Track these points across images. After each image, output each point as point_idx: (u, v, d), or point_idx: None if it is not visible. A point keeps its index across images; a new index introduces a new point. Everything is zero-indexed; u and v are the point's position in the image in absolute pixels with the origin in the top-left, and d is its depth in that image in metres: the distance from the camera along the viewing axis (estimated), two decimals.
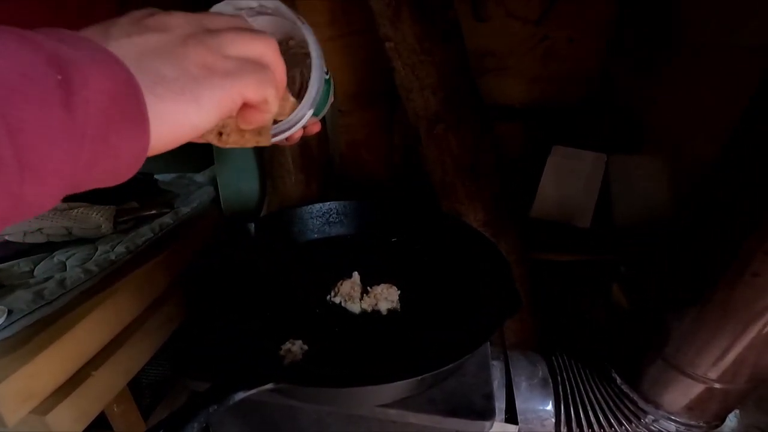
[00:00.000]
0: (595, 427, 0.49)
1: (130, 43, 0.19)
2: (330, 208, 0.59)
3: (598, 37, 0.91)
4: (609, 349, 0.53)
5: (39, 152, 0.14)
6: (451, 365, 0.35)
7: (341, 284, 0.47)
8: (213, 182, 0.98)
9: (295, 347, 0.41)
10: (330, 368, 0.39)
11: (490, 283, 0.46)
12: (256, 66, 0.23)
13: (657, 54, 0.74)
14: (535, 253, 0.90)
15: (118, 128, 0.17)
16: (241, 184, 0.92)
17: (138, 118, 0.17)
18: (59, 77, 0.15)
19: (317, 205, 0.59)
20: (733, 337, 0.38)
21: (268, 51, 0.24)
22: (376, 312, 0.45)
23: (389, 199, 1.06)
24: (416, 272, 0.52)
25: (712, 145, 0.44)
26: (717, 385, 0.42)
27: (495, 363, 0.49)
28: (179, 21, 0.21)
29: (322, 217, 0.59)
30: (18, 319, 0.51)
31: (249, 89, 0.22)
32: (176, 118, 0.19)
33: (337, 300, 0.46)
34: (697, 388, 0.43)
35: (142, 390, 0.79)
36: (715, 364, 0.40)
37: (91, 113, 0.16)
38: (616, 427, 0.48)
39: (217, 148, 0.92)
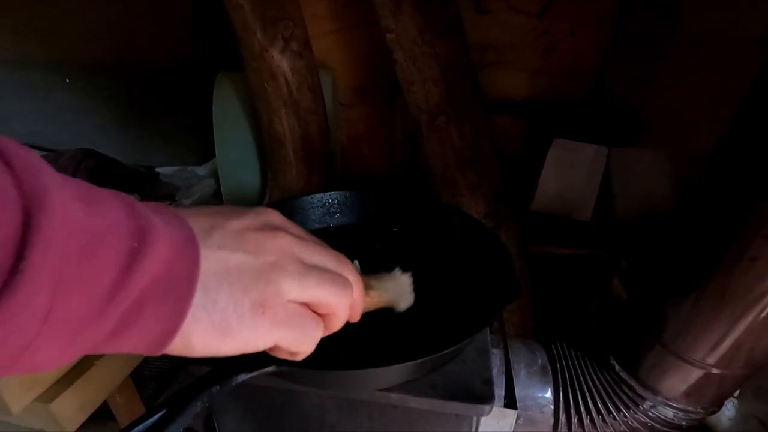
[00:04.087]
0: (594, 413, 0.49)
1: (213, 256, 0.20)
2: (331, 199, 0.59)
3: (599, 31, 0.91)
4: (607, 337, 0.53)
5: (74, 309, 0.15)
6: (451, 349, 0.35)
7: None
8: (214, 175, 0.98)
9: None
10: (331, 352, 0.39)
11: (491, 271, 0.47)
12: (305, 319, 0.23)
13: (658, 46, 0.74)
14: (535, 247, 0.90)
15: (159, 299, 0.17)
16: (242, 177, 0.92)
17: (177, 306, 0.18)
18: (135, 245, 0.16)
19: (318, 195, 0.59)
20: (731, 321, 0.38)
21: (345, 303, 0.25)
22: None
23: (390, 189, 1.06)
24: (417, 261, 0.52)
25: (712, 137, 0.44)
26: (714, 371, 0.42)
27: (495, 351, 0.50)
28: (276, 246, 0.22)
29: (323, 207, 0.59)
30: None
31: (284, 341, 0.22)
32: (198, 341, 0.19)
33: None
34: (695, 374, 0.43)
35: (144, 381, 0.80)
36: (713, 349, 0.41)
37: (143, 281, 0.16)
38: (614, 413, 0.49)
39: (219, 140, 0.92)
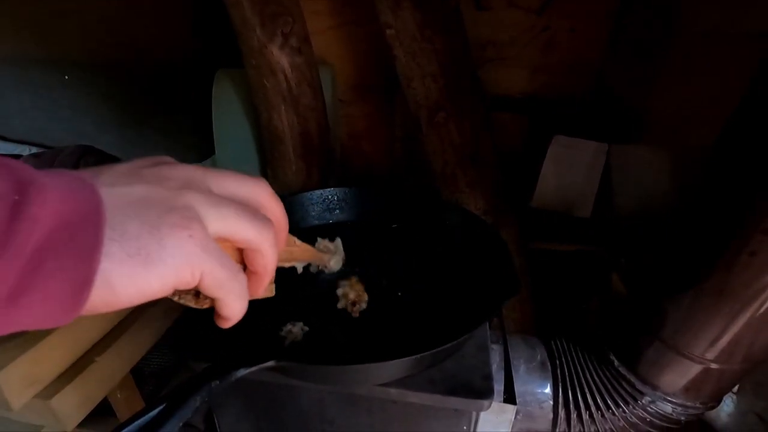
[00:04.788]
0: (593, 409, 0.49)
1: (109, 193, 0.18)
2: (330, 195, 0.59)
3: (599, 27, 0.90)
4: (607, 333, 0.53)
5: None
6: (450, 345, 0.35)
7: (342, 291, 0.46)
8: None
9: (296, 328, 0.42)
10: (330, 347, 0.39)
11: (490, 267, 0.47)
12: (230, 260, 0.21)
13: (658, 43, 0.74)
14: (535, 243, 0.90)
15: (58, 259, 0.15)
16: None
17: (86, 251, 0.16)
18: (16, 197, 0.15)
19: (317, 192, 0.59)
20: (730, 317, 0.38)
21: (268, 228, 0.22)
22: (376, 292, 0.46)
23: (389, 186, 1.06)
24: (417, 257, 0.52)
25: (713, 133, 0.44)
26: (713, 366, 0.42)
27: (494, 347, 0.50)
28: (179, 173, 0.20)
29: (322, 204, 0.59)
30: None
31: (210, 276, 0.19)
32: (119, 281, 0.17)
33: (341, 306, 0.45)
34: (694, 369, 0.43)
35: (144, 378, 0.80)
36: (712, 344, 0.41)
37: (34, 235, 0.15)
38: (613, 408, 0.49)
39: (218, 136, 0.92)
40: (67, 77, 1.00)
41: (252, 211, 0.22)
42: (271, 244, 0.22)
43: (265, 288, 0.25)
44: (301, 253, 0.33)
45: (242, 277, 0.22)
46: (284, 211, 0.25)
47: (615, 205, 0.88)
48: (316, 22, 0.91)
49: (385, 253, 0.53)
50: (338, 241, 0.45)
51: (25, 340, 0.51)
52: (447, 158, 0.80)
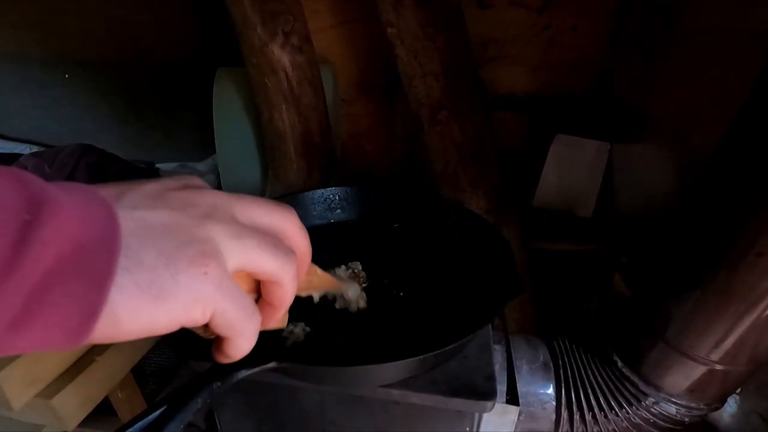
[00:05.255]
0: (596, 410, 0.49)
1: (129, 217, 0.17)
2: (332, 194, 0.59)
3: (601, 25, 0.90)
4: (610, 334, 0.53)
5: None
6: (453, 345, 0.35)
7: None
8: (214, 170, 0.98)
9: (297, 329, 0.41)
10: (332, 348, 0.39)
11: (492, 267, 0.46)
12: (246, 297, 0.20)
13: (659, 41, 0.74)
14: (536, 242, 0.90)
15: (65, 286, 0.14)
16: (242, 173, 0.92)
17: (96, 281, 0.15)
18: (27, 217, 0.14)
19: (319, 191, 0.58)
20: (735, 318, 0.38)
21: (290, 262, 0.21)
22: (378, 292, 0.46)
23: (391, 185, 1.06)
24: (418, 257, 0.52)
25: (716, 132, 0.43)
26: (718, 367, 0.42)
27: (496, 347, 0.49)
28: (205, 200, 0.19)
29: (323, 203, 0.59)
30: None
31: (222, 316, 0.19)
32: (126, 315, 0.16)
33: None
34: (699, 370, 0.43)
35: (145, 377, 0.80)
36: (717, 345, 0.41)
37: (43, 260, 0.14)
38: (616, 409, 0.49)
39: (219, 135, 0.91)
40: (67, 76, 0.99)
41: (275, 242, 0.21)
42: (291, 277, 0.22)
43: (278, 320, 0.25)
44: (319, 283, 0.32)
45: (256, 318, 0.21)
46: (308, 242, 0.24)
47: (617, 204, 0.88)
48: (317, 21, 0.91)
49: (386, 252, 0.52)
50: (357, 264, 0.46)
51: None
52: (448, 157, 0.80)
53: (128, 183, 0.19)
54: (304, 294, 0.32)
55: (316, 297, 0.35)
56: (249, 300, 0.21)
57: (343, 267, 0.44)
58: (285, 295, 0.22)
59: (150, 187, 0.19)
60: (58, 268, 0.14)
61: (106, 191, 0.18)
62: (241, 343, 0.21)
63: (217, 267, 0.18)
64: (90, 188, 0.17)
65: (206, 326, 0.20)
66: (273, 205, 0.22)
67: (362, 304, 0.42)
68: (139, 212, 0.17)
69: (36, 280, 0.14)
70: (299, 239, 0.23)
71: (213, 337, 0.21)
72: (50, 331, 0.15)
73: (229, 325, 0.19)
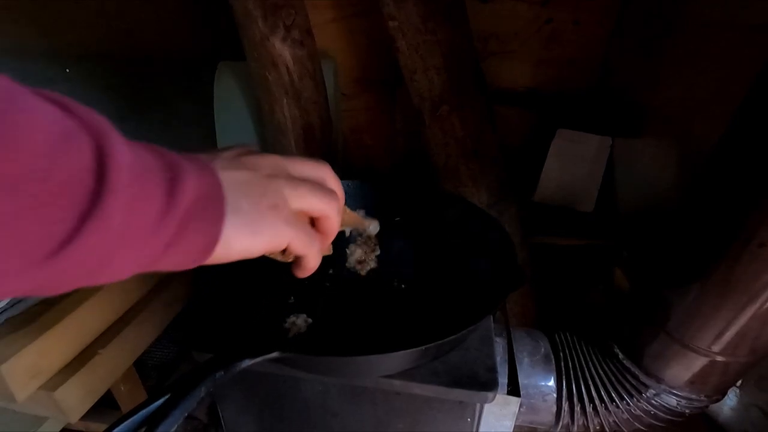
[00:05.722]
0: (597, 401, 0.49)
1: (225, 176, 0.23)
2: None
3: (603, 20, 0.89)
4: (611, 326, 0.53)
5: (139, 224, 0.18)
6: (454, 336, 0.35)
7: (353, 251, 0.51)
8: None
9: (299, 320, 0.42)
10: (335, 339, 0.39)
11: (494, 260, 0.46)
12: (307, 225, 0.28)
13: (661, 36, 0.73)
14: (537, 237, 0.90)
15: (198, 221, 0.21)
16: None
17: (215, 218, 0.22)
18: (170, 175, 0.20)
19: None
20: (736, 309, 0.38)
21: (333, 206, 0.29)
22: (380, 285, 0.46)
23: (392, 178, 1.06)
24: (420, 250, 0.52)
25: (717, 126, 0.43)
26: (719, 358, 0.42)
27: (498, 340, 0.49)
28: (268, 162, 0.26)
29: None
30: (24, 298, 0.51)
31: (296, 241, 0.26)
32: (234, 242, 0.23)
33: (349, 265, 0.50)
34: (700, 362, 0.43)
35: (147, 371, 0.80)
36: (718, 337, 0.41)
37: (184, 202, 0.20)
38: (617, 401, 0.49)
39: (220, 129, 0.91)
40: (68, 70, 0.99)
41: (321, 187, 0.28)
42: (336, 212, 0.29)
43: (327, 247, 0.32)
44: (348, 219, 0.38)
45: (317, 241, 0.29)
46: (341, 185, 0.31)
47: (618, 199, 0.88)
48: (318, 15, 0.90)
49: (387, 246, 0.52)
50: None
51: (28, 332, 0.51)
52: (449, 151, 0.80)
53: (212, 151, 0.26)
54: (340, 228, 0.36)
55: (347, 231, 0.40)
56: (311, 229, 0.28)
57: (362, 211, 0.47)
58: (333, 225, 0.30)
59: (227, 153, 0.26)
60: (192, 210, 0.20)
61: (204, 157, 0.24)
62: (312, 257, 0.28)
63: (286, 209, 0.26)
64: (197, 156, 0.23)
65: (283, 253, 0.28)
66: (314, 161, 0.30)
67: (372, 264, 0.47)
68: (228, 173, 0.24)
69: (181, 216, 0.20)
70: (336, 185, 0.30)
71: (290, 260, 0.29)
72: (187, 251, 0.21)
73: (301, 248, 0.27)
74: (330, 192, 0.29)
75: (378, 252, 0.51)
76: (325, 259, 0.43)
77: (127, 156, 0.18)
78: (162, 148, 0.21)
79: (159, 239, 0.20)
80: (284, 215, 0.25)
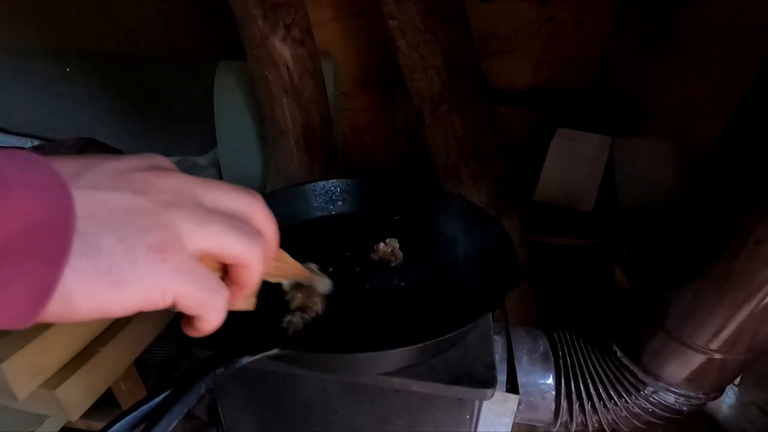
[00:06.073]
0: (595, 399, 0.49)
1: (90, 198, 0.17)
2: (333, 186, 0.59)
3: (604, 19, 0.90)
4: (610, 324, 0.53)
5: None
6: (454, 333, 0.35)
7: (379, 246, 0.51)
8: (216, 164, 0.98)
9: (296, 318, 0.42)
10: (334, 336, 0.40)
11: (493, 258, 0.47)
12: (210, 277, 0.20)
13: (662, 35, 0.74)
14: (537, 237, 0.90)
15: (20, 259, 0.15)
16: (243, 166, 0.92)
17: (49, 260, 0.15)
18: None
19: (320, 183, 0.59)
20: (734, 306, 0.38)
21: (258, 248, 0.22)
22: (380, 282, 0.46)
23: (392, 177, 1.06)
24: (419, 249, 0.52)
25: (717, 125, 0.43)
26: (717, 356, 0.42)
27: (497, 338, 0.50)
28: (170, 184, 0.19)
29: (324, 195, 0.59)
30: None
31: (187, 299, 0.19)
32: (80, 297, 0.16)
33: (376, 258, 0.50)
34: (698, 359, 0.43)
35: (148, 369, 0.80)
36: (716, 334, 0.41)
37: None
38: (615, 399, 0.49)
39: (220, 128, 0.92)
40: (68, 70, 0.99)
41: (241, 225, 0.21)
42: (259, 259, 0.22)
43: (245, 300, 0.25)
44: (290, 270, 0.33)
45: (224, 292, 0.21)
46: (276, 227, 0.24)
47: (618, 198, 0.88)
48: (319, 14, 0.90)
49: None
50: (395, 242, 0.50)
51: (29, 330, 0.51)
52: (449, 151, 0.80)
53: (91, 158, 0.19)
54: (273, 280, 0.33)
55: (286, 285, 0.36)
56: (214, 278, 0.21)
57: (310, 263, 0.42)
58: (252, 275, 0.22)
59: (113, 165, 0.19)
60: (9, 247, 0.14)
61: (66, 168, 0.17)
62: (210, 318, 0.21)
63: (177, 253, 0.18)
64: (48, 164, 0.17)
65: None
66: (238, 190, 0.23)
67: (320, 308, 0.41)
68: (101, 194, 0.17)
69: None
70: (266, 223, 0.23)
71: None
72: (3, 306, 0.15)
73: (195, 305, 0.20)
74: (253, 233, 0.22)
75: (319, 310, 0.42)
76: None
77: None
78: None
79: None
80: (173, 262, 0.18)
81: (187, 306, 0.19)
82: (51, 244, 0.15)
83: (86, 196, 0.17)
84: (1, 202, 0.14)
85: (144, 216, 0.18)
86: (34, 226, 0.15)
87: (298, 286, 0.40)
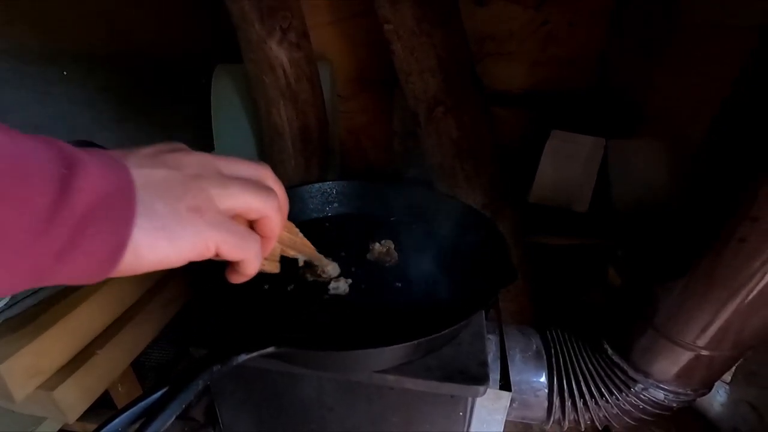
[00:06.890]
0: (587, 397, 0.50)
1: (139, 173, 0.21)
2: (329, 188, 0.60)
3: (598, 22, 0.91)
4: (601, 323, 0.54)
5: (16, 226, 0.16)
6: (447, 330, 0.36)
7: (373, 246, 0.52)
8: None
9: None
10: (329, 334, 0.40)
11: (487, 257, 0.47)
12: (239, 227, 0.24)
13: (656, 36, 0.74)
14: (532, 237, 0.91)
15: (99, 225, 0.18)
16: None
17: (122, 221, 0.19)
18: (65, 171, 0.17)
19: (317, 185, 0.59)
20: (719, 304, 0.39)
21: (270, 204, 0.26)
22: (374, 282, 0.47)
23: (387, 179, 1.07)
24: (414, 249, 0.53)
25: (707, 125, 0.44)
26: (704, 353, 0.43)
27: (490, 336, 0.50)
28: (194, 160, 0.24)
29: (321, 197, 0.60)
30: (22, 299, 0.52)
31: (225, 244, 0.23)
32: (147, 250, 0.20)
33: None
34: (686, 356, 0.44)
35: (145, 371, 0.81)
36: (703, 331, 0.42)
37: (81, 202, 0.18)
38: (607, 396, 0.50)
39: (217, 131, 0.92)
40: (65, 72, 0.99)
41: (256, 185, 0.25)
42: (275, 209, 0.26)
43: (271, 263, 0.30)
44: (302, 245, 0.37)
45: (255, 237, 0.26)
46: (284, 190, 0.29)
47: (612, 199, 0.89)
48: (315, 17, 0.91)
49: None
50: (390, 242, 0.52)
51: (26, 332, 0.51)
52: (445, 152, 0.81)
53: (128, 148, 0.23)
54: (291, 254, 0.36)
55: (301, 260, 0.39)
56: (244, 228, 0.25)
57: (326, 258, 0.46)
58: (273, 225, 0.27)
59: (147, 150, 0.23)
60: (91, 212, 0.18)
61: (116, 153, 0.22)
62: (249, 260, 0.25)
63: (209, 210, 0.23)
64: (104, 151, 0.21)
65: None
66: (252, 161, 0.27)
67: (343, 288, 0.46)
68: (145, 170, 0.21)
69: (76, 220, 0.18)
70: (276, 184, 0.28)
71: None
72: (87, 262, 0.18)
73: (234, 249, 0.24)
74: (267, 189, 0.26)
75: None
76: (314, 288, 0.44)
77: None
78: (62, 142, 0.19)
79: (47, 246, 0.17)
80: (209, 217, 0.22)
81: (227, 251, 0.23)
82: (122, 210, 0.19)
83: (136, 173, 0.21)
84: (82, 179, 0.18)
85: (179, 185, 0.22)
86: (107, 196, 0.19)
87: (310, 266, 0.45)
